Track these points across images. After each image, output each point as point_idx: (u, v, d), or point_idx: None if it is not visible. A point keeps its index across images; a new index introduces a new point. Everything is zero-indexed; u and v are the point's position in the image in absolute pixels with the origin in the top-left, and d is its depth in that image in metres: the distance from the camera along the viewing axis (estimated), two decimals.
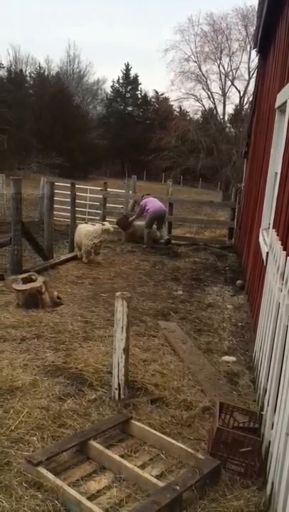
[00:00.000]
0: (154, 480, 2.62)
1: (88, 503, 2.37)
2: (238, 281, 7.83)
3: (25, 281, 5.79)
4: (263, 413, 3.07)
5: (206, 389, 3.91)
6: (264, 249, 4.95)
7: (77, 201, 12.00)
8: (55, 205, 10.19)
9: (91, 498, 2.50)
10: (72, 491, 2.46)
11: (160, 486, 2.54)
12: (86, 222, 10.18)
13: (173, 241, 11.77)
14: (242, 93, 37.43)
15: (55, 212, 10.61)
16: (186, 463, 2.85)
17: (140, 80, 57.44)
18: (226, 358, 4.69)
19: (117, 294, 3.64)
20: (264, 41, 7.99)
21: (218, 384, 4.05)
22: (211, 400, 3.70)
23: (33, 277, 5.89)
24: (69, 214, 11.46)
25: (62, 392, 3.60)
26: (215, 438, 2.92)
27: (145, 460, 2.92)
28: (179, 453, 2.92)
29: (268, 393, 3.00)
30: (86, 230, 8.48)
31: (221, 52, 37.13)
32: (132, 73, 57.07)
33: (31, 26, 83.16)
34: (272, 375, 2.91)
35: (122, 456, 2.88)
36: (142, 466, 2.83)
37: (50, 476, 2.58)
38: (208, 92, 38.23)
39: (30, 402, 3.42)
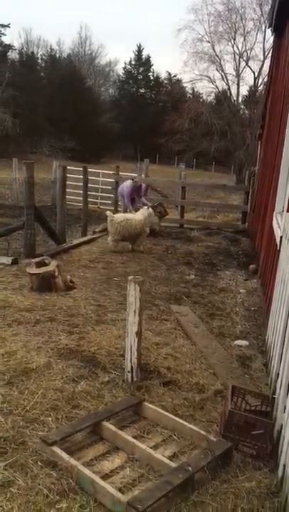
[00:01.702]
0: (167, 460, 2.66)
1: (102, 482, 2.42)
2: (251, 266, 7.79)
3: (39, 265, 5.84)
4: (276, 396, 3.08)
5: (219, 372, 3.93)
6: (278, 233, 4.89)
7: (89, 185, 12.00)
8: (67, 189, 10.19)
9: (104, 477, 2.55)
10: (86, 471, 2.51)
11: (172, 466, 2.58)
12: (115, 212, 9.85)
13: (185, 225, 11.75)
14: (256, 74, 36.64)
15: (67, 197, 10.60)
16: (198, 444, 2.88)
17: (152, 61, 56.71)
18: (239, 341, 4.69)
19: (130, 278, 3.64)
20: (279, 20, 7.77)
21: (230, 367, 4.07)
22: (224, 383, 3.71)
23: (46, 261, 5.93)
24: (81, 198, 11.47)
25: (76, 374, 3.65)
26: (227, 420, 2.94)
27: (158, 441, 2.96)
28: (191, 434, 2.96)
29: (280, 377, 3.00)
30: (140, 220, 8.28)
31: (236, 32, 36.28)
32: (144, 54, 56.30)
33: (42, 8, 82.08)
34: (284, 358, 2.90)
35: (134, 437, 2.92)
36: (155, 447, 2.87)
37: (64, 455, 2.63)
38: (222, 73, 37.50)
39: (44, 383, 3.48)
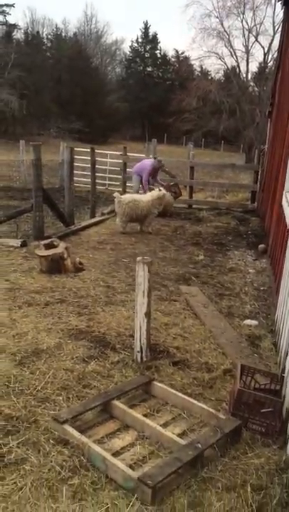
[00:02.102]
0: (176, 438, 2.70)
1: (113, 459, 2.46)
2: (261, 246, 7.74)
3: (48, 247, 5.86)
4: (285, 375, 3.09)
5: (228, 352, 3.94)
6: (287, 212, 4.84)
7: (97, 166, 11.93)
8: (75, 171, 10.14)
9: (115, 454, 2.59)
10: (98, 448, 2.56)
11: (182, 443, 2.61)
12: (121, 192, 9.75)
13: (194, 206, 11.67)
14: (266, 49, 35.64)
15: (75, 178, 10.56)
16: (207, 422, 2.91)
17: (160, 38, 55.65)
18: (248, 321, 4.69)
19: (138, 258, 3.64)
20: None
21: (239, 347, 4.08)
22: (233, 362, 3.73)
23: (55, 243, 5.95)
24: (89, 179, 11.42)
25: (86, 354, 3.69)
26: (236, 399, 2.96)
27: (167, 419, 3.00)
28: (201, 413, 2.99)
29: None
30: (147, 201, 8.23)
31: (244, 7, 35.15)
32: (151, 32, 55.18)
33: None
34: None
35: (144, 416, 2.96)
36: (165, 425, 2.90)
37: (75, 433, 2.68)
38: (231, 50, 36.53)
39: (55, 363, 3.52)
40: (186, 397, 3.11)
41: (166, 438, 2.71)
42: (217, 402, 3.20)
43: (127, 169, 12.97)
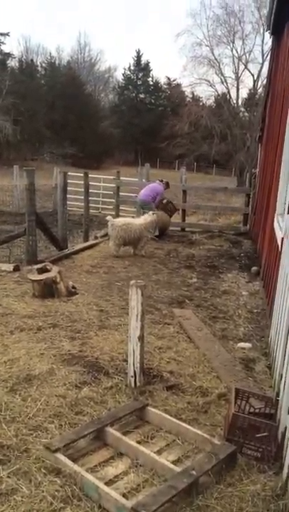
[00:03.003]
0: (171, 465, 2.65)
1: (106, 488, 2.41)
2: (254, 268, 7.78)
3: (41, 271, 5.84)
4: (279, 399, 3.06)
5: (222, 375, 3.91)
6: (279, 234, 4.89)
7: (90, 190, 12.03)
8: (68, 195, 10.20)
9: (109, 483, 2.54)
10: (90, 477, 2.50)
11: (177, 471, 2.56)
12: (113, 216, 9.73)
13: (187, 228, 11.74)
14: (256, 76, 36.60)
15: (68, 202, 10.62)
16: (202, 448, 2.86)
17: (152, 66, 56.95)
18: (242, 344, 4.67)
19: (131, 282, 3.64)
20: (277, 22, 7.81)
21: (233, 370, 4.05)
22: (227, 386, 3.70)
23: (48, 267, 5.94)
24: (83, 203, 11.50)
25: (79, 380, 3.64)
26: (231, 424, 2.92)
27: (162, 446, 2.94)
28: (195, 438, 2.94)
29: (283, 378, 2.99)
30: (140, 224, 8.28)
31: (234, 36, 36.29)
32: (144, 60, 56.53)
33: (41, 16, 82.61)
34: (288, 360, 2.89)
35: (138, 442, 2.91)
36: (159, 452, 2.85)
37: (68, 462, 2.62)
38: (221, 77, 37.48)
39: (47, 390, 3.47)
40: (180, 423, 3.07)
41: (160, 465, 2.66)
42: (212, 428, 3.16)
43: (120, 193, 13.11)
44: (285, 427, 2.72)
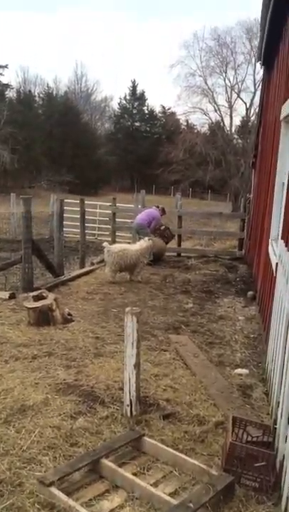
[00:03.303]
0: (168, 498, 2.59)
1: None
2: (250, 292, 7.77)
3: (36, 298, 5.82)
4: (277, 426, 3.02)
5: (219, 403, 3.86)
6: (273, 259, 4.92)
7: (86, 217, 12.12)
8: (65, 222, 10.28)
9: None
10: (85, 511, 2.44)
11: (174, 503, 2.50)
12: (110, 242, 9.66)
13: (183, 254, 11.77)
14: (248, 105, 37.56)
15: (65, 229, 10.69)
16: (199, 479, 2.80)
17: (147, 95, 58.14)
18: (239, 370, 4.63)
19: (127, 309, 3.63)
20: (268, 53, 8.06)
21: (231, 397, 4.00)
22: (224, 414, 3.65)
23: (44, 294, 5.92)
24: (79, 230, 11.56)
25: (74, 410, 3.59)
26: (228, 453, 2.87)
27: (158, 477, 2.88)
28: (193, 469, 2.88)
29: (280, 406, 2.95)
30: (136, 250, 8.30)
31: (227, 66, 37.39)
32: (139, 89, 57.81)
33: (39, 47, 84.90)
34: (284, 387, 2.87)
35: (134, 474, 2.85)
36: (155, 484, 2.79)
37: (62, 496, 2.56)
38: (215, 105, 38.39)
39: (41, 421, 3.41)
40: (177, 453, 3.01)
41: (157, 498, 2.60)
42: (209, 457, 3.10)
43: (117, 219, 13.20)
44: (283, 456, 2.68)
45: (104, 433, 3.32)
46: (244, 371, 4.60)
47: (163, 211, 10.75)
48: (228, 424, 3.18)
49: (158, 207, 10.80)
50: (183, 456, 2.98)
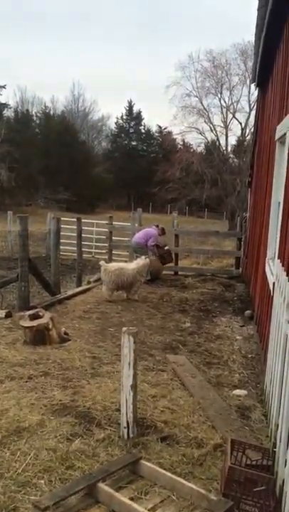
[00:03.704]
0: None
1: None
2: (247, 312, 7.76)
3: (33, 317, 5.78)
4: (276, 450, 2.98)
5: (217, 425, 3.81)
6: (270, 279, 4.93)
7: (83, 235, 12.13)
8: (62, 240, 10.27)
9: None
10: None
11: None
12: (107, 261, 9.55)
13: (180, 272, 11.75)
14: (243, 125, 38.01)
15: (62, 247, 10.67)
16: (198, 504, 2.75)
17: (143, 115, 58.89)
18: (237, 391, 4.59)
19: (124, 329, 3.61)
20: (262, 75, 8.21)
21: (229, 419, 3.96)
22: (223, 436, 3.60)
23: (40, 313, 5.89)
24: (76, 248, 11.55)
25: (70, 432, 3.53)
26: (227, 477, 2.83)
27: (156, 502, 2.82)
28: (191, 494, 2.82)
29: (279, 428, 2.92)
30: (133, 269, 8.30)
31: (222, 87, 37.94)
32: (136, 109, 58.61)
33: (37, 67, 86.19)
34: (283, 409, 2.84)
35: (132, 499, 2.78)
36: (153, 509, 2.73)
37: None
38: (211, 125, 38.83)
39: (37, 443, 3.35)
40: (175, 477, 2.95)
41: None
42: (208, 481, 3.05)
43: (113, 237, 13.22)
44: (283, 480, 2.63)
45: (101, 456, 3.26)
46: (242, 392, 4.56)
47: (162, 231, 10.70)
48: (227, 447, 3.13)
49: (158, 226, 10.77)
50: (181, 480, 2.93)
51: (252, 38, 8.16)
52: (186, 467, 3.18)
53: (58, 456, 3.20)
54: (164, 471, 3.02)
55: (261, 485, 2.76)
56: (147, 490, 2.94)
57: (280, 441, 2.81)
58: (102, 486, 2.83)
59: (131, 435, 3.51)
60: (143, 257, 8.89)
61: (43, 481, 2.93)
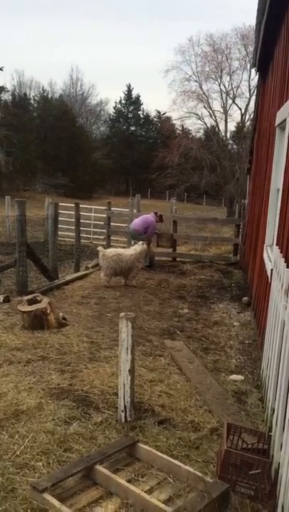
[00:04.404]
0: (162, 505, 2.57)
1: None
2: (245, 298, 7.78)
3: (31, 302, 5.79)
4: (272, 434, 3.01)
5: (214, 409, 3.85)
6: (268, 265, 4.93)
7: (81, 221, 12.06)
8: (60, 225, 10.25)
9: None
10: None
11: (168, 511, 2.49)
12: (104, 246, 9.45)
13: (178, 258, 11.77)
14: (243, 110, 37.71)
15: (60, 233, 10.65)
16: (194, 487, 2.79)
17: (142, 100, 58.29)
18: (234, 376, 4.63)
19: (121, 314, 3.62)
20: (263, 60, 8.11)
21: (225, 404, 3.99)
22: (219, 420, 3.64)
23: (38, 298, 5.89)
24: (74, 234, 11.51)
25: (68, 415, 3.56)
26: (223, 460, 2.86)
27: (153, 484, 2.86)
28: (187, 476, 2.86)
29: (275, 413, 2.95)
30: (131, 254, 8.30)
31: (222, 72, 37.56)
32: (134, 94, 57.94)
33: (34, 51, 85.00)
34: (279, 394, 2.86)
35: (129, 481, 2.82)
36: (150, 491, 2.77)
37: (55, 502, 2.54)
38: (210, 111, 38.56)
39: (35, 426, 3.38)
40: (171, 460, 2.99)
41: (151, 505, 2.58)
42: (204, 464, 3.08)
43: (111, 223, 13.17)
44: (279, 464, 2.67)
45: (99, 439, 3.30)
46: (239, 377, 4.60)
47: (160, 218, 10.63)
48: (223, 430, 3.17)
49: (156, 213, 10.70)
50: (177, 462, 2.97)
51: (253, 22, 8.04)
52: (182, 450, 3.22)
53: (55, 438, 3.23)
54: (160, 454, 3.06)
55: (257, 468, 2.80)
56: (144, 472, 2.97)
57: (276, 425, 2.84)
58: (99, 468, 2.87)
59: (128, 419, 3.54)
60: (140, 242, 8.87)
61: (41, 463, 2.97)
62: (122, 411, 3.56)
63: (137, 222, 10.38)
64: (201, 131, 42.71)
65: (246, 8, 41.54)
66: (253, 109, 17.47)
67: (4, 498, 2.63)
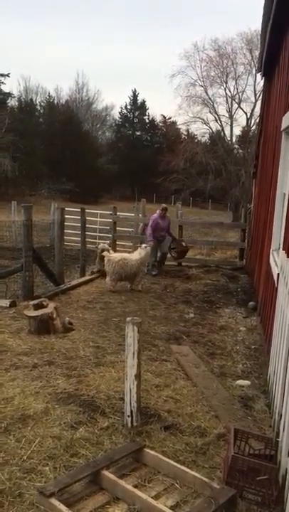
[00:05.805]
0: (169, 511, 2.56)
1: None
2: (251, 303, 7.76)
3: (37, 307, 5.81)
4: (279, 439, 3.00)
5: (221, 414, 3.84)
6: (275, 270, 4.92)
7: (87, 225, 12.13)
8: (66, 230, 10.27)
9: None
10: None
11: None
12: (109, 250, 9.43)
13: (184, 263, 11.76)
14: (249, 115, 37.74)
15: (66, 237, 10.66)
16: (201, 492, 2.78)
17: (148, 105, 58.39)
18: (240, 382, 4.61)
19: (128, 319, 3.63)
20: (268, 65, 8.13)
21: (232, 409, 3.98)
22: (226, 426, 3.62)
23: (45, 303, 5.91)
24: (80, 238, 11.56)
25: (75, 420, 3.57)
26: (230, 466, 2.85)
27: (159, 490, 2.85)
28: (194, 482, 2.85)
29: (283, 418, 2.94)
30: (136, 259, 8.30)
31: (227, 76, 37.65)
32: (140, 98, 58.15)
33: (41, 56, 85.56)
34: (286, 399, 2.85)
35: (135, 486, 2.82)
36: (156, 497, 2.76)
37: (62, 507, 2.54)
38: (215, 115, 38.63)
39: (42, 430, 3.39)
40: (178, 466, 2.98)
41: (158, 511, 2.57)
42: (211, 470, 3.07)
43: (117, 228, 13.20)
44: (286, 470, 2.65)
45: (105, 444, 3.30)
46: (246, 382, 4.58)
47: (163, 210, 10.23)
48: (230, 436, 3.16)
49: (162, 209, 10.44)
50: (184, 468, 2.96)
51: (258, 27, 8.07)
52: (189, 456, 3.21)
53: (62, 443, 3.24)
54: (167, 460, 3.05)
55: (264, 474, 2.79)
56: (151, 478, 2.97)
57: (284, 431, 2.83)
58: (106, 473, 2.87)
59: (135, 424, 3.54)
60: (143, 245, 8.82)
61: (47, 468, 2.97)
62: (129, 416, 3.56)
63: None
64: (207, 135, 42.82)
65: (252, 13, 41.58)
66: (258, 114, 17.49)
67: (11, 503, 2.64)
